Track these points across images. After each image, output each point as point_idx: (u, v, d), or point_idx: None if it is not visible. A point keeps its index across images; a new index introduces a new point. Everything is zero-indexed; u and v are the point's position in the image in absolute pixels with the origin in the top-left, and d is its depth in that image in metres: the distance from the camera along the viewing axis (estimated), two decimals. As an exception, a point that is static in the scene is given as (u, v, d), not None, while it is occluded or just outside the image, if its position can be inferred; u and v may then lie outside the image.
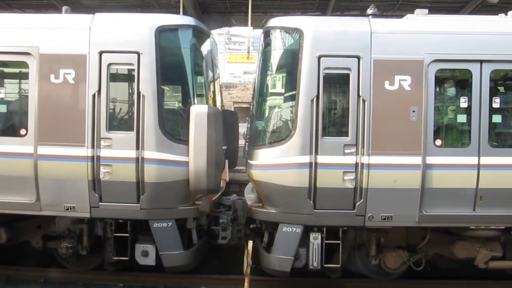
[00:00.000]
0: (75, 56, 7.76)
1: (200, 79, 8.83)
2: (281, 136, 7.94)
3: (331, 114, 7.94)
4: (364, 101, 7.55)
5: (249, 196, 9.04)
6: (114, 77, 7.98)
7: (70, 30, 7.88)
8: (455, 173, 7.67)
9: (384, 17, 9.77)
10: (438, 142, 7.69)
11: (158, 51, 7.74)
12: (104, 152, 7.73)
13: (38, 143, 7.76)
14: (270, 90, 8.57)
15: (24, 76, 7.99)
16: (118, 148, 7.72)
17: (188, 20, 8.59)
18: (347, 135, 7.64)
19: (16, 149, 7.84)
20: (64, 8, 8.60)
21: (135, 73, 7.74)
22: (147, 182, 7.71)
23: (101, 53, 7.74)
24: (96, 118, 7.73)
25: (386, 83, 7.54)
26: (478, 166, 7.62)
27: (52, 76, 7.73)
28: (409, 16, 8.31)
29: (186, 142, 7.74)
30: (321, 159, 7.57)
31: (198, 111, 7.67)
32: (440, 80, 7.86)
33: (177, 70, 8.35)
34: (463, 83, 7.93)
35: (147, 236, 8.17)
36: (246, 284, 7.49)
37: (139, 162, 7.68)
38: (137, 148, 7.70)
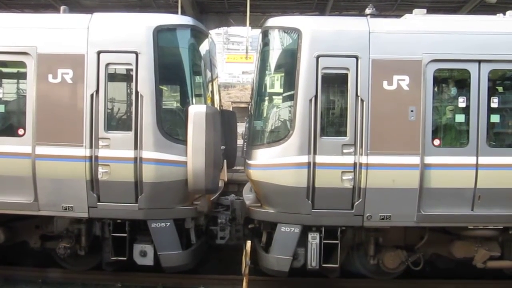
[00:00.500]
0: (73, 56, 7.75)
1: (198, 79, 8.83)
2: (279, 136, 7.95)
3: (330, 114, 7.95)
4: (362, 101, 7.55)
5: (248, 196, 9.05)
6: (112, 77, 7.97)
7: (68, 30, 7.88)
8: (454, 173, 7.68)
9: (382, 17, 9.75)
10: (437, 142, 7.70)
11: (156, 51, 7.73)
12: (102, 152, 7.73)
13: (36, 143, 7.74)
14: (268, 90, 8.58)
15: (22, 76, 7.97)
16: (116, 148, 7.71)
17: (187, 20, 8.59)
18: (345, 135, 7.64)
19: (14, 149, 7.83)
20: (62, 8, 8.60)
21: (133, 73, 7.73)
22: (145, 182, 7.71)
23: (99, 53, 7.73)
24: (94, 118, 7.73)
25: (385, 83, 7.54)
26: (476, 166, 7.63)
27: (50, 76, 7.72)
28: (407, 16, 8.31)
29: (184, 142, 7.74)
30: (319, 159, 7.57)
31: (197, 111, 7.67)
32: (438, 80, 7.87)
33: (175, 70, 8.34)
34: (461, 83, 7.94)
35: (145, 236, 8.16)
36: (244, 284, 7.48)
37: (137, 162, 7.68)
38: (135, 148, 7.70)
